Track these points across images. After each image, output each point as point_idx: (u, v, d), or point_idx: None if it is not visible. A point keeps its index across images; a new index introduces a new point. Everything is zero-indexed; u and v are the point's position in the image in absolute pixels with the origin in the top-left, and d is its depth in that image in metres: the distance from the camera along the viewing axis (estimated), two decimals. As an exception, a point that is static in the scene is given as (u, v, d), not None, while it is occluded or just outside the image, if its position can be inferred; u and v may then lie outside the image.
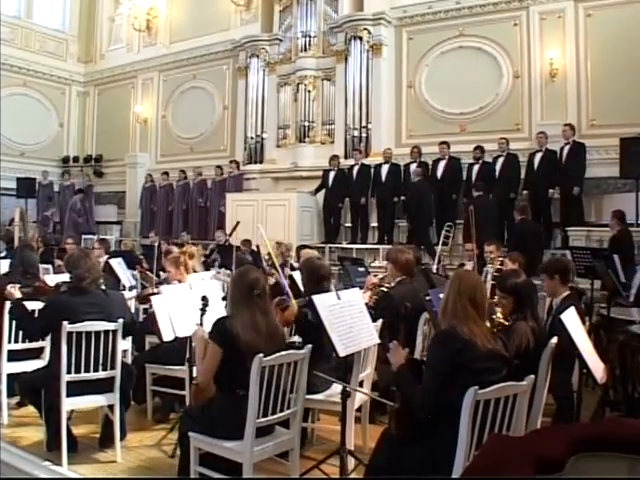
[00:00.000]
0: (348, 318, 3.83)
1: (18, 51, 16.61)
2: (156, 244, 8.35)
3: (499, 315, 3.96)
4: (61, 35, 17.89)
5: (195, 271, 5.91)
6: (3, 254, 8.51)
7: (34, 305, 4.69)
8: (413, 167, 11.67)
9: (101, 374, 4.30)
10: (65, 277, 5.12)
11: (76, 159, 17.52)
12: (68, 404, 4.22)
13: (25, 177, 15.67)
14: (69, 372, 4.17)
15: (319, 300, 3.78)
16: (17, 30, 16.80)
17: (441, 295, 3.56)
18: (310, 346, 3.69)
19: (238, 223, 10.65)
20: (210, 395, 3.62)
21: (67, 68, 17.83)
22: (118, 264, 7.14)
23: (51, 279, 5.77)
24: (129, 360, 5.44)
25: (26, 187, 15.42)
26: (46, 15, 17.58)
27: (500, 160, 10.89)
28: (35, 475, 4.07)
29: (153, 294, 5.11)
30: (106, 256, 7.99)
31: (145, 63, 16.72)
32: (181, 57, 15.94)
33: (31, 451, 4.37)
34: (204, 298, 3.95)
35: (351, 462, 3.94)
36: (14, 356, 5.17)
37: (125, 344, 4.60)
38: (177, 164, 15.35)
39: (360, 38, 12.75)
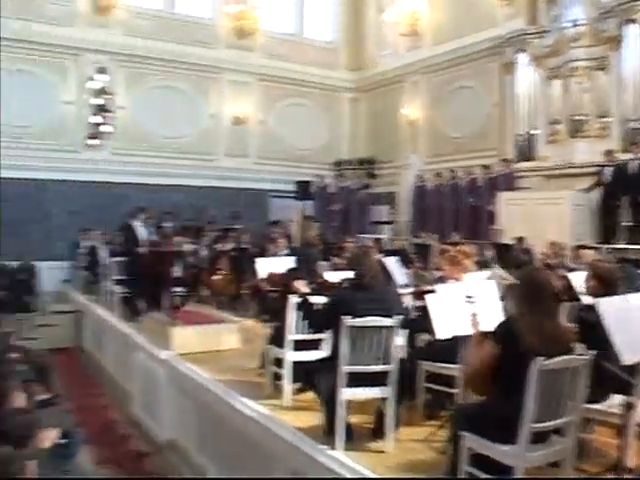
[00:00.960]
0: (636, 322, 3.59)
1: (294, 65, 17.86)
2: (428, 243, 8.47)
3: None
4: (331, 46, 18.95)
5: (470, 270, 5.90)
6: (287, 251, 9.21)
7: (317, 299, 5.05)
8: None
9: (377, 367, 4.47)
10: (344, 274, 5.44)
11: (349, 162, 18.33)
12: (346, 394, 4.44)
13: (303, 180, 16.76)
14: (348, 364, 4.39)
15: (604, 303, 3.60)
16: (292, 46, 18.13)
17: None
18: (594, 352, 3.51)
19: (499, 230, 10.41)
20: (483, 393, 3.62)
21: (338, 76, 18.81)
22: (393, 262, 7.38)
23: (329, 276, 6.14)
24: (403, 356, 5.58)
25: (304, 190, 16.50)
26: (316, 29, 18.79)
27: None
28: (312, 456, 4.38)
29: (428, 292, 5.20)
30: (379, 255, 8.29)
31: (412, 66, 17.03)
32: (446, 57, 15.97)
33: (309, 434, 4.71)
34: (475, 295, 3.96)
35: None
36: (298, 346, 5.60)
37: (400, 340, 4.73)
38: (446, 164, 15.42)
39: (634, 21, 11.76)
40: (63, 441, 4.66)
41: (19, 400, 5.03)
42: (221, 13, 17.05)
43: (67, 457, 4.56)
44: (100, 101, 15.24)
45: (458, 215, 14.53)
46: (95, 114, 15.24)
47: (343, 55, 19.09)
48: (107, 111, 15.29)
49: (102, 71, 15.35)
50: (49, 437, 4.37)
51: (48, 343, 10.72)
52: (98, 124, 15.25)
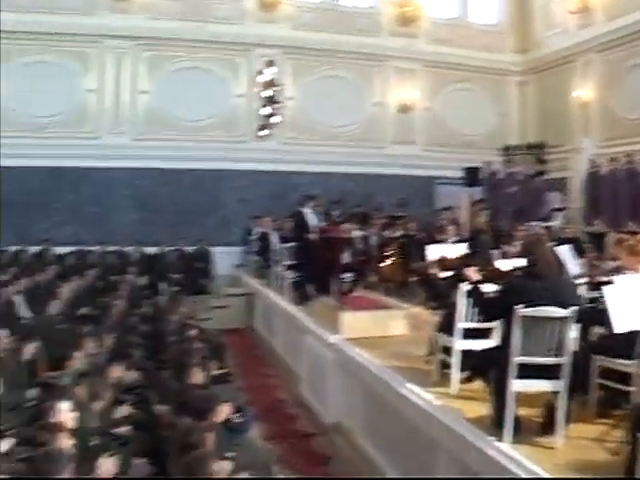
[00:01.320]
0: None
1: (459, 50, 17.51)
2: (602, 232, 8.03)
3: None
4: (496, 29, 18.35)
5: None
6: (455, 239, 9.13)
7: (488, 288, 4.99)
8: None
9: (550, 360, 4.35)
10: (515, 262, 5.34)
11: (518, 147, 17.75)
12: (516, 386, 4.36)
13: (471, 166, 16.35)
14: (519, 355, 4.32)
15: None
16: (456, 30, 17.78)
17: None
18: None
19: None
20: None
21: (504, 59, 18.21)
22: (566, 251, 7.10)
23: (500, 264, 6.04)
24: (576, 349, 5.38)
25: (472, 176, 16.16)
26: (481, 13, 18.27)
27: None
28: (480, 448, 4.34)
29: (604, 283, 4.98)
30: (551, 243, 7.97)
31: (583, 45, 16.08)
32: (620, 34, 14.87)
33: (475, 425, 4.64)
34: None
35: None
36: (467, 334, 5.56)
37: (573, 332, 4.57)
38: (622, 147, 14.44)
39: None
40: (238, 416, 4.97)
41: (198, 376, 5.43)
42: (383, 1, 17.12)
43: (240, 432, 4.87)
44: (269, 93, 15.85)
45: (635, 202, 13.64)
46: (265, 106, 15.89)
47: (509, 37, 18.45)
48: (276, 102, 15.88)
49: (270, 64, 15.95)
50: (225, 412, 4.68)
51: (221, 323, 11.40)
52: (268, 115, 15.88)
